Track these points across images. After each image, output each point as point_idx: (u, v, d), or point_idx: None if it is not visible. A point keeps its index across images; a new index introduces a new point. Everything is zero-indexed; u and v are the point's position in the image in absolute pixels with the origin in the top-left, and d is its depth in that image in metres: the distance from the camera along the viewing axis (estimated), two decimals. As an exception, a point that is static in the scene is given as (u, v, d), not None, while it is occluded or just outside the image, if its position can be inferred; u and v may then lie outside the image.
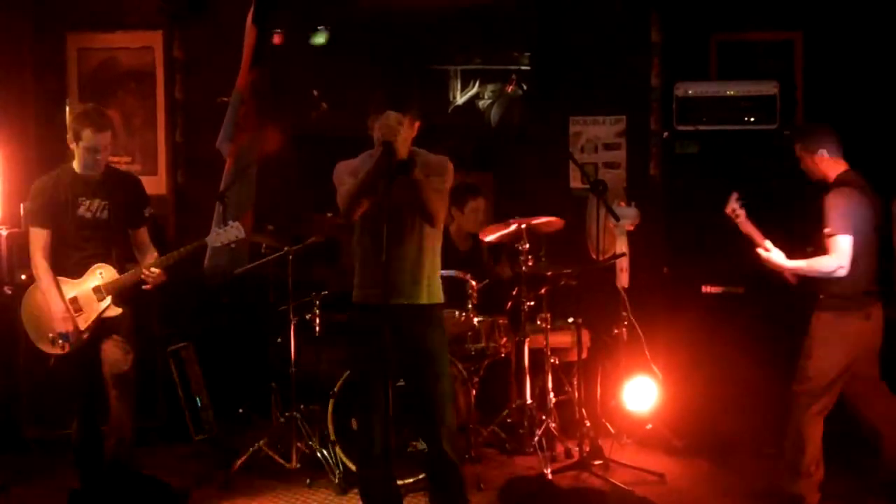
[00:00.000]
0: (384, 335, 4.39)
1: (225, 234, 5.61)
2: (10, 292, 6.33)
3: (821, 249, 5.29)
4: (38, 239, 5.39)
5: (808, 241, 5.78)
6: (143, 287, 5.43)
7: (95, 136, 5.27)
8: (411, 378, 4.78)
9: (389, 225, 4.43)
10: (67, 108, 7.63)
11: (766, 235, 6.31)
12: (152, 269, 5.37)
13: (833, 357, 5.30)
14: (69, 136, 5.35)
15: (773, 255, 5.38)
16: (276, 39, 7.53)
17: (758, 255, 5.45)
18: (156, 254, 5.52)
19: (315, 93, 7.73)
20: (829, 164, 5.43)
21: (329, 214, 6.63)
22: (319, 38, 7.70)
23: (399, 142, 4.51)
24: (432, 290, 4.78)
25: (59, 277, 5.38)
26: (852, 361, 5.31)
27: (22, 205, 6.59)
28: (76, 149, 5.34)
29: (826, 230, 5.23)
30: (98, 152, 5.31)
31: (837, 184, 5.34)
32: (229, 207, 6.49)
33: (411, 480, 5.56)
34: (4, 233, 6.60)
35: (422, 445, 5.42)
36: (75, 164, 5.40)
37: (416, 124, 4.74)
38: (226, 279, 6.44)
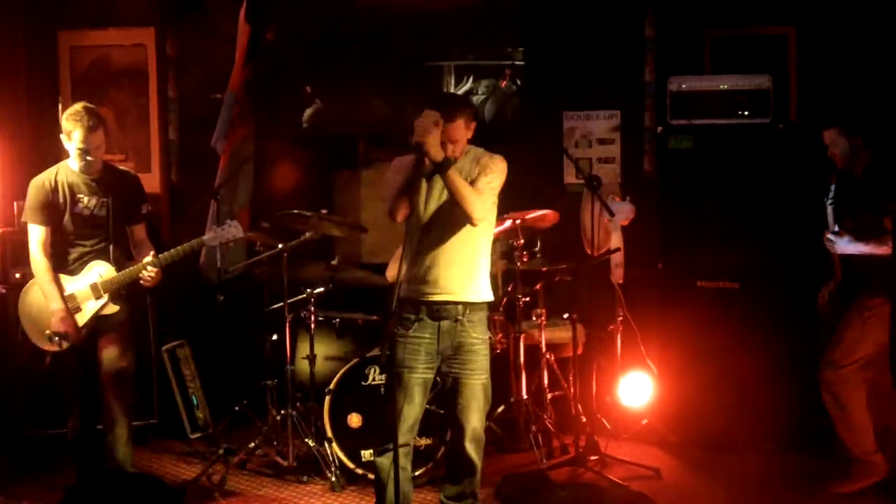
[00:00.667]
0: (420, 328, 4.63)
1: (223, 233, 5.61)
2: (4, 291, 6.31)
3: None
4: (37, 236, 5.39)
5: (803, 234, 5.81)
6: (143, 284, 5.42)
7: (86, 135, 5.27)
8: (446, 373, 4.81)
9: (428, 224, 4.63)
10: (60, 107, 7.61)
11: (761, 230, 6.36)
12: (150, 270, 5.36)
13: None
14: (62, 134, 5.35)
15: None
16: (269, 36, 7.51)
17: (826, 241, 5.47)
18: (153, 251, 5.51)
19: (308, 90, 7.71)
20: (862, 150, 5.49)
21: (324, 211, 6.61)
22: (313, 35, 7.68)
23: (431, 143, 4.51)
24: (478, 287, 4.82)
25: (57, 274, 5.38)
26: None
27: (15, 203, 6.57)
28: (68, 147, 5.34)
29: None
30: (89, 152, 5.31)
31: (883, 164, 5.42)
32: (224, 205, 6.49)
33: (418, 473, 5.58)
34: (-2, 231, 6.60)
35: (426, 441, 5.60)
36: (70, 162, 5.40)
37: (472, 125, 4.80)
38: (221, 277, 6.43)
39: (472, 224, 4.65)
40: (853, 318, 5.50)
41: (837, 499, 5.52)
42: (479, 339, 4.80)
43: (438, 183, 4.65)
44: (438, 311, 4.70)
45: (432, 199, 4.72)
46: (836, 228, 5.35)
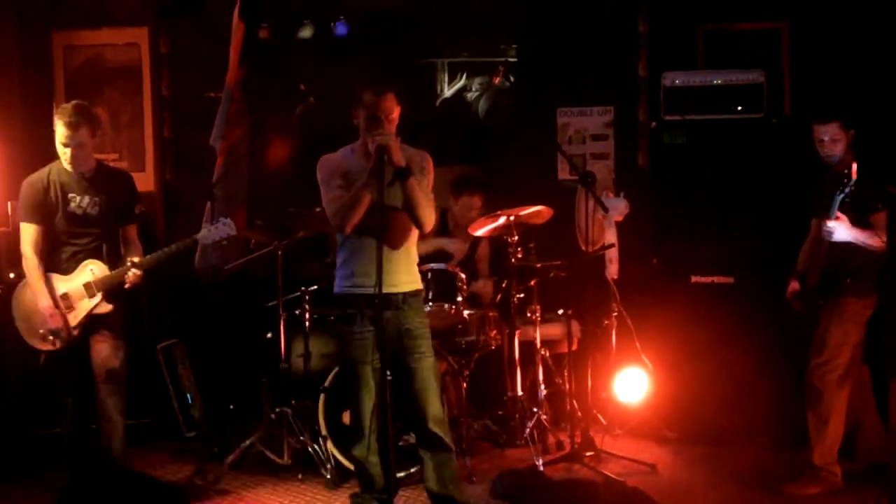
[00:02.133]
0: (378, 322, 4.60)
1: (216, 230, 5.60)
2: (-1, 291, 6.31)
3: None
4: (29, 235, 5.39)
5: (796, 227, 5.81)
6: (124, 286, 5.42)
7: (66, 131, 5.26)
8: (398, 360, 4.86)
9: (374, 223, 4.64)
10: (54, 107, 7.59)
11: (755, 224, 6.36)
12: (132, 270, 5.35)
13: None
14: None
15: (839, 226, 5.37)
16: (263, 34, 7.51)
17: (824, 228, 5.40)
18: (141, 251, 5.51)
19: (302, 87, 7.71)
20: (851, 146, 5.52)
21: (317, 209, 6.60)
22: (306, 32, 7.68)
23: (395, 147, 4.60)
24: (414, 276, 5.02)
25: (51, 273, 5.39)
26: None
27: (9, 203, 6.56)
28: (57, 145, 5.34)
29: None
30: (70, 147, 5.29)
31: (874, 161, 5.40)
32: (219, 203, 6.48)
33: (404, 474, 5.57)
34: (-8, 231, 6.60)
35: (413, 439, 5.48)
36: (62, 159, 5.40)
37: (398, 109, 4.81)
38: (217, 276, 6.42)
39: (423, 231, 4.87)
40: (832, 319, 5.48)
41: (833, 494, 5.53)
42: (420, 323, 4.94)
43: (392, 187, 4.68)
44: (383, 303, 4.69)
45: (386, 198, 4.68)
46: (837, 215, 5.31)
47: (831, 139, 5.49)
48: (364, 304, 4.83)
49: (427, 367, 4.91)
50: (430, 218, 4.83)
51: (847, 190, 5.20)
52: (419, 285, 5.05)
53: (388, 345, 4.73)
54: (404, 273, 4.92)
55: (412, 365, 4.88)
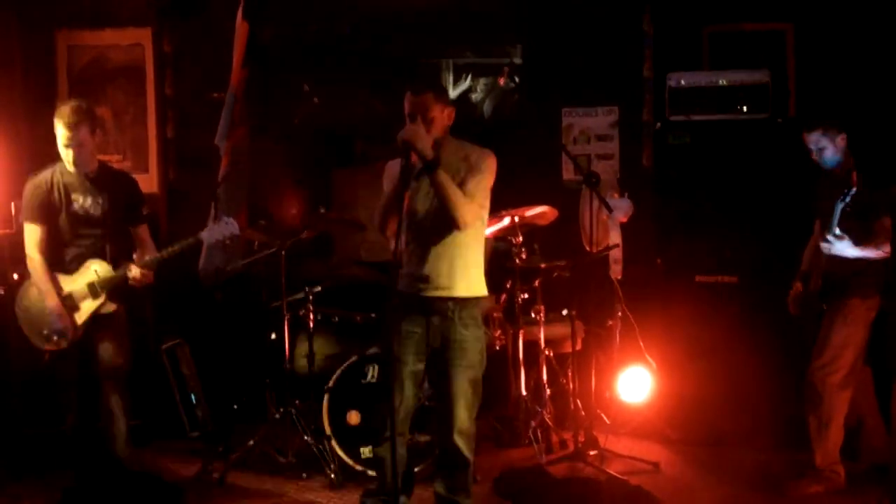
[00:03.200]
0: (411, 321, 4.62)
1: (219, 229, 5.59)
2: (2, 292, 6.30)
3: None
4: (33, 235, 5.40)
5: (801, 227, 5.81)
6: (132, 284, 5.42)
7: (67, 132, 5.26)
8: (435, 367, 4.79)
9: (419, 221, 4.62)
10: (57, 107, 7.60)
11: (759, 224, 6.36)
12: (134, 270, 5.35)
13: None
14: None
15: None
16: (267, 35, 7.51)
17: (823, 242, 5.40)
18: (154, 251, 5.51)
19: (306, 87, 7.72)
20: (846, 151, 5.48)
21: (322, 209, 6.61)
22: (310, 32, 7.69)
23: (420, 140, 4.51)
24: (469, 282, 4.80)
25: (55, 273, 5.38)
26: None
27: (13, 204, 6.56)
28: (58, 144, 5.34)
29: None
30: (71, 148, 5.29)
31: (873, 166, 5.37)
32: (222, 204, 6.48)
33: (420, 468, 5.53)
34: (-5, 232, 6.59)
35: (423, 438, 5.56)
36: (63, 161, 5.40)
37: (447, 110, 4.74)
38: (220, 278, 6.42)
39: (458, 228, 4.63)
40: (836, 320, 5.47)
41: (836, 494, 5.52)
42: (469, 336, 4.77)
43: (427, 180, 4.62)
44: (429, 306, 4.70)
45: (422, 195, 4.69)
46: (837, 231, 5.29)
47: (817, 147, 5.50)
48: (415, 304, 4.73)
49: (464, 382, 4.74)
50: (463, 215, 4.58)
51: (847, 199, 5.19)
52: (477, 292, 4.83)
53: (431, 349, 4.70)
54: (457, 277, 4.74)
55: (452, 375, 4.74)
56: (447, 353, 4.75)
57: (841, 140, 5.46)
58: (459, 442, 4.77)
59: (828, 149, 5.47)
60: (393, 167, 4.79)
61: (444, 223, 4.67)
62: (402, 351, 4.74)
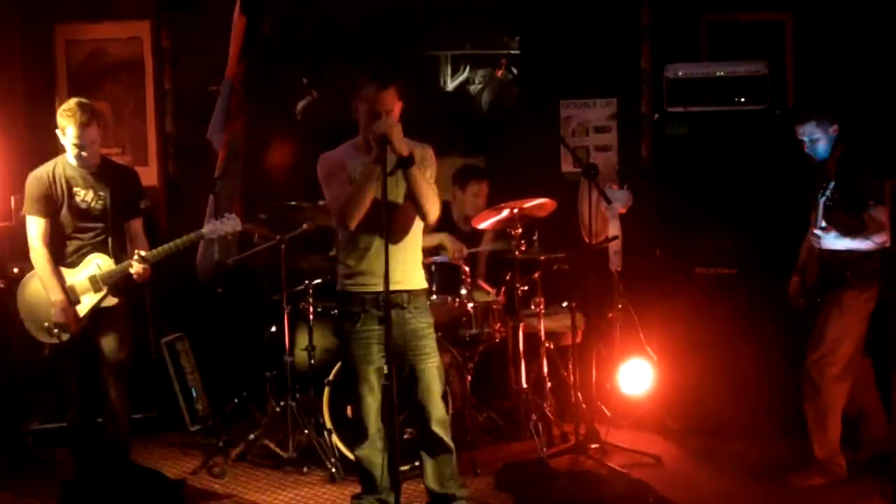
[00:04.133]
0: (386, 321, 4.49)
1: (222, 225, 5.60)
2: (2, 285, 6.30)
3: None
4: (36, 228, 5.40)
5: (799, 218, 5.81)
6: (134, 278, 5.42)
7: (78, 131, 5.27)
8: (402, 360, 4.80)
9: (378, 219, 4.49)
10: (56, 100, 7.59)
11: (758, 216, 6.35)
12: (137, 266, 5.35)
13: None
14: (58, 129, 5.36)
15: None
16: (265, 28, 7.50)
17: (812, 236, 5.43)
18: (147, 245, 5.52)
19: (304, 80, 7.71)
20: (838, 141, 5.47)
21: (321, 202, 6.60)
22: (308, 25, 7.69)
23: (396, 136, 4.51)
24: (420, 275, 4.93)
25: (56, 267, 5.38)
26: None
27: (12, 198, 6.56)
28: (63, 142, 5.34)
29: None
30: (84, 148, 5.31)
31: (860, 157, 5.37)
32: (221, 198, 6.48)
33: (408, 467, 5.55)
34: (-5, 226, 6.59)
35: (410, 430, 5.47)
36: (69, 156, 5.40)
37: (400, 104, 4.75)
38: (218, 270, 6.42)
39: (429, 222, 4.76)
40: (832, 313, 5.46)
41: (838, 485, 5.53)
42: (426, 324, 4.87)
43: (393, 178, 4.60)
44: (387, 301, 4.61)
45: (388, 193, 4.60)
46: (824, 224, 5.31)
47: (809, 139, 5.49)
48: (368, 302, 4.77)
49: (431, 369, 4.84)
50: (434, 209, 4.72)
51: (828, 193, 5.22)
52: (425, 284, 4.97)
53: (392, 344, 4.66)
54: (410, 271, 4.85)
55: (417, 366, 4.81)
56: (409, 345, 4.80)
57: (833, 130, 5.46)
58: (438, 430, 4.85)
59: (821, 140, 5.46)
60: (330, 158, 4.82)
61: (406, 219, 4.75)
62: (365, 353, 4.79)
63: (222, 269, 6.40)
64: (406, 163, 4.57)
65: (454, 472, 4.98)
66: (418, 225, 4.86)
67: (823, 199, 5.25)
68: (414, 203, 4.70)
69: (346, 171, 4.75)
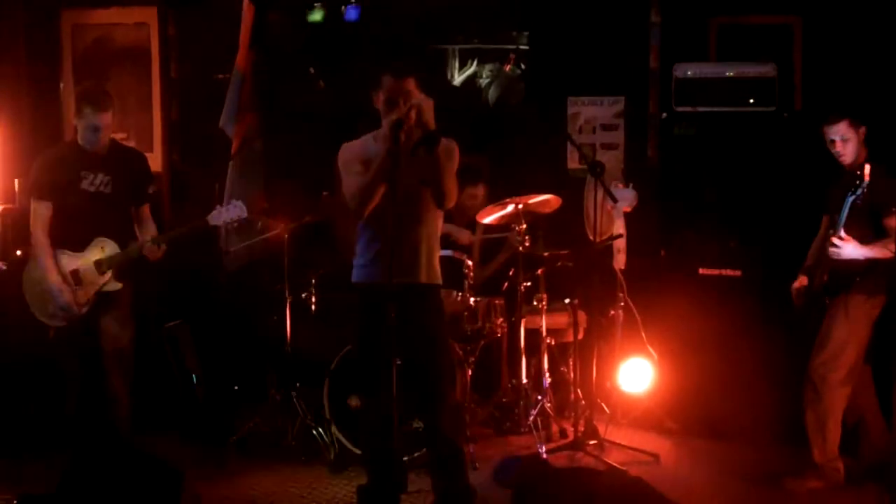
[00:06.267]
0: (388, 313, 4.37)
1: (227, 212, 5.60)
2: (4, 268, 6.30)
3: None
4: (39, 212, 5.40)
5: (805, 221, 5.80)
6: (148, 259, 5.42)
7: (96, 115, 5.30)
8: (412, 355, 4.74)
9: (399, 204, 4.43)
10: (62, 86, 7.58)
11: (764, 218, 6.35)
12: (153, 245, 5.36)
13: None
14: (74, 110, 5.36)
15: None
16: (273, 17, 7.48)
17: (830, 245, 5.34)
18: (156, 230, 5.53)
19: (311, 71, 7.70)
20: (863, 144, 5.45)
21: (325, 193, 6.59)
22: (316, 16, 7.66)
23: (429, 108, 4.44)
24: (433, 270, 4.82)
25: (62, 250, 5.39)
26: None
27: (16, 181, 6.55)
28: (78, 124, 5.35)
29: None
30: (98, 131, 5.34)
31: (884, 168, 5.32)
32: (237, 187, 6.47)
33: (416, 455, 5.54)
34: (-1, 209, 6.58)
35: (420, 424, 5.44)
36: (79, 139, 5.40)
37: (417, 93, 4.67)
38: (223, 258, 6.42)
39: (443, 206, 4.65)
40: (837, 317, 5.45)
41: (836, 490, 5.53)
42: (439, 322, 4.84)
43: (408, 162, 4.52)
44: (398, 293, 4.55)
45: (400, 180, 4.54)
46: (843, 234, 5.26)
47: (842, 139, 5.42)
48: (379, 294, 4.61)
49: (441, 367, 4.79)
50: (451, 194, 4.62)
51: (859, 192, 5.14)
52: (437, 280, 4.85)
53: (402, 338, 4.58)
54: (424, 266, 4.76)
55: (427, 364, 4.76)
56: (419, 343, 4.72)
57: (862, 132, 5.43)
58: (448, 427, 4.79)
59: (851, 141, 5.41)
60: (350, 148, 4.78)
61: (419, 208, 4.67)
62: (376, 343, 4.67)
63: (225, 258, 6.39)
64: (430, 140, 4.46)
65: (462, 467, 4.90)
66: (435, 216, 4.77)
67: (853, 197, 5.17)
68: (432, 184, 4.58)
69: (363, 161, 4.69)
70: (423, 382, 4.78)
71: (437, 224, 4.83)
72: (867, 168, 5.11)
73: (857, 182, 5.11)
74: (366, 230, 4.76)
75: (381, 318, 4.49)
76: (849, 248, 5.26)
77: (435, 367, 4.78)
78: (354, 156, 4.75)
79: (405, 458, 5.42)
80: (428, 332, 4.77)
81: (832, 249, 5.30)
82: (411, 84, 4.63)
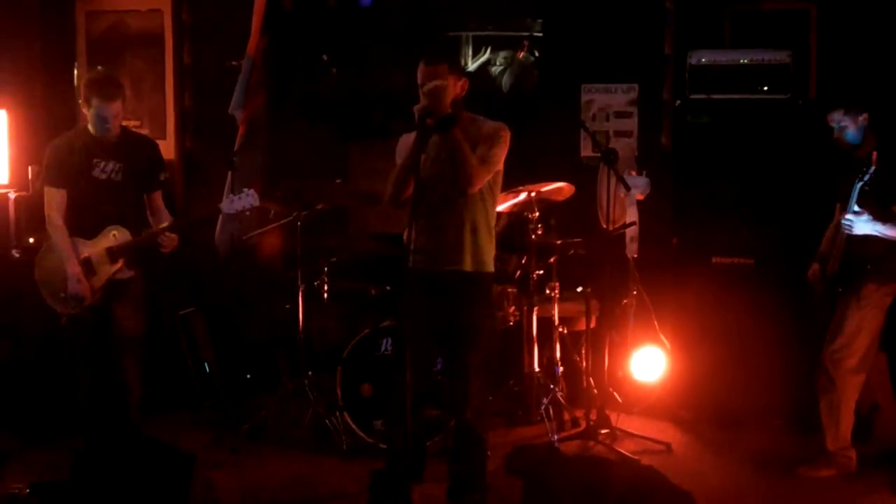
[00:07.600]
0: (422, 301, 4.42)
1: (239, 201, 5.59)
2: (17, 255, 6.32)
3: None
4: (53, 198, 5.42)
5: (819, 209, 5.77)
6: (161, 250, 5.43)
7: (103, 104, 5.28)
8: (446, 344, 4.75)
9: (429, 188, 4.46)
10: (76, 72, 7.60)
11: (777, 206, 6.32)
12: (169, 234, 5.37)
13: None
14: (81, 99, 5.36)
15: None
16: (287, 3, 7.47)
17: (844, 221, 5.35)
18: (169, 218, 5.53)
19: (325, 58, 7.68)
20: (869, 131, 5.41)
21: (338, 181, 6.59)
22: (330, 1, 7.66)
23: (444, 93, 4.45)
24: (479, 257, 4.73)
25: (73, 237, 5.40)
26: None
27: (30, 168, 6.57)
28: (87, 114, 5.35)
29: None
30: (107, 120, 5.33)
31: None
32: (239, 174, 6.47)
33: (436, 439, 5.55)
34: (12, 196, 6.58)
35: (436, 412, 5.44)
36: (89, 127, 5.40)
37: (461, 82, 4.69)
38: (235, 247, 6.42)
39: (463, 191, 4.56)
40: (850, 305, 5.43)
41: (848, 477, 5.51)
42: (479, 314, 4.74)
43: (440, 148, 4.53)
44: (437, 281, 4.61)
45: (430, 164, 4.59)
46: (857, 208, 5.26)
47: (839, 126, 5.44)
48: (417, 279, 4.62)
49: (475, 362, 4.71)
50: (471, 175, 4.51)
51: (867, 178, 5.15)
52: (485, 268, 4.75)
53: (433, 327, 4.63)
54: (469, 252, 4.68)
55: (460, 356, 4.72)
56: (455, 333, 4.70)
57: (863, 119, 5.41)
58: (473, 420, 4.75)
59: (849, 128, 5.42)
60: (407, 140, 4.75)
61: (452, 191, 4.61)
62: (409, 328, 4.65)
63: (238, 246, 6.39)
64: (445, 122, 4.45)
65: (483, 461, 4.88)
66: (481, 201, 4.69)
67: (861, 183, 5.17)
68: (451, 166, 4.54)
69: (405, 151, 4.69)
70: (452, 373, 4.78)
71: (487, 209, 4.75)
72: (875, 156, 5.14)
73: (864, 168, 5.15)
74: (409, 217, 4.64)
75: (419, 304, 4.52)
76: (860, 223, 5.25)
77: (466, 359, 4.71)
78: (404, 145, 4.75)
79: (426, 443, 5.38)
80: (464, 321, 4.71)
81: (844, 224, 5.31)
82: (444, 70, 4.60)
